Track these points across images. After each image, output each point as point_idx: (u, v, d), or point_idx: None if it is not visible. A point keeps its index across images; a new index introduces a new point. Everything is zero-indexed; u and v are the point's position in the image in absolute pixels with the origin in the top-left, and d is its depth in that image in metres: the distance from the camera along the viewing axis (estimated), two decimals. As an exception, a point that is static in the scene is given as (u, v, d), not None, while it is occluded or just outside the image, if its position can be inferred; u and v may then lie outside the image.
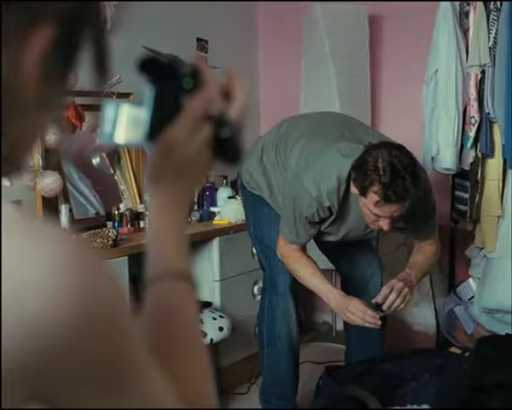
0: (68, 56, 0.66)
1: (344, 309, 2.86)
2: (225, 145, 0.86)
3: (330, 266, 3.57)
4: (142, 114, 0.84)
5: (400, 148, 2.62)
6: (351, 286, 3.29)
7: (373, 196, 2.59)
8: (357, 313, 2.81)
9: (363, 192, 2.63)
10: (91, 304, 0.56)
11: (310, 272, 2.98)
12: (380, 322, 2.80)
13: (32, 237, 0.56)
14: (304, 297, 3.04)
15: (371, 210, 2.65)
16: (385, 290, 2.83)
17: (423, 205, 2.86)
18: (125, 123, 0.84)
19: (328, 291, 2.95)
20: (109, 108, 0.85)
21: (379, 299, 2.81)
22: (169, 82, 0.84)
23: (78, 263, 0.57)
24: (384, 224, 2.67)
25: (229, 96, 0.86)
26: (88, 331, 0.56)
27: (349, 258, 3.31)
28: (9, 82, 0.60)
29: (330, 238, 3.05)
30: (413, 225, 2.98)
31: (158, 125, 0.83)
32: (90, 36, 0.67)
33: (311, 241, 3.10)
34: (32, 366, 0.54)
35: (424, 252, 3.05)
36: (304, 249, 3.02)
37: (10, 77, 0.60)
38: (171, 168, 0.85)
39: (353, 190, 2.71)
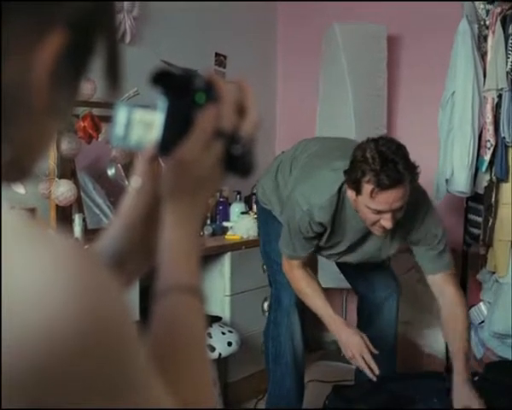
0: (80, 62, 0.65)
1: (346, 343, 2.82)
2: (237, 161, 0.85)
3: (344, 284, 3.57)
4: (155, 118, 0.83)
5: (386, 138, 2.61)
6: (366, 307, 3.29)
7: (367, 188, 2.52)
8: (355, 353, 2.77)
9: (357, 188, 2.56)
10: (93, 316, 0.56)
11: (312, 292, 2.95)
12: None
13: (35, 246, 0.55)
14: (312, 316, 3.02)
15: (369, 206, 2.56)
16: None
17: (422, 215, 2.82)
18: (136, 126, 0.84)
19: (329, 316, 2.91)
20: (122, 112, 0.84)
21: None
22: (182, 96, 0.83)
23: (82, 274, 0.56)
24: (386, 220, 2.57)
25: (243, 110, 0.85)
26: (89, 343, 0.55)
27: (366, 279, 3.30)
28: (18, 86, 0.59)
29: (334, 255, 3.03)
30: (418, 248, 2.88)
31: (169, 138, 0.83)
32: (102, 42, 0.66)
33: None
34: (32, 376, 0.53)
35: (454, 317, 2.86)
36: (306, 266, 2.98)
37: (19, 81, 0.59)
38: (184, 184, 0.85)
39: (350, 194, 2.64)
